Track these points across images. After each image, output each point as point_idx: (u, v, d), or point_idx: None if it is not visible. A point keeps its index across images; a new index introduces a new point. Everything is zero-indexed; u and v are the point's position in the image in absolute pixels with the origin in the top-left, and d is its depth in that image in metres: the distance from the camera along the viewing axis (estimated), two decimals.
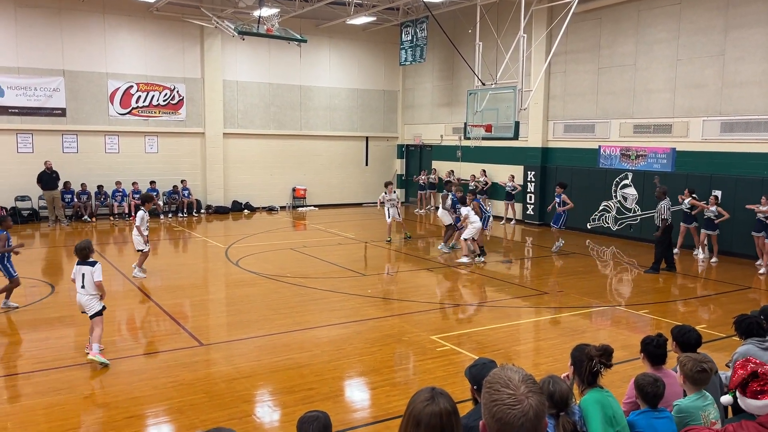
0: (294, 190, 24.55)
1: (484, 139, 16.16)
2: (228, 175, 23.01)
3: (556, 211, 15.65)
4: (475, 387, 3.58)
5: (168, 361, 7.52)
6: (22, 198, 19.61)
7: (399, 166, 27.04)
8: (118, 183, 20.72)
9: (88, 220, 20.01)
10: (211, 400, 6.32)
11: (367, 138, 26.12)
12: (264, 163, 23.85)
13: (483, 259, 14.21)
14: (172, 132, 21.96)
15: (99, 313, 7.51)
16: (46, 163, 19.14)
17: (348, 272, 12.80)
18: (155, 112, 21.55)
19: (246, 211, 23.24)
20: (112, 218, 20.56)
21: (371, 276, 12.60)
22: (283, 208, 24.19)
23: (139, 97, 21.19)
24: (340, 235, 17.76)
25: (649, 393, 3.83)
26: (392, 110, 26.62)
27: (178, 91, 21.88)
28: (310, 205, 24.64)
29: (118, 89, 20.81)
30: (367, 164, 26.29)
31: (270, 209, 23.73)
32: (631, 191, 17.44)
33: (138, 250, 12.21)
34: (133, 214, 20.58)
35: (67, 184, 19.86)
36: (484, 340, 8.55)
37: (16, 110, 19.34)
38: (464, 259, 13.88)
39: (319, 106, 24.82)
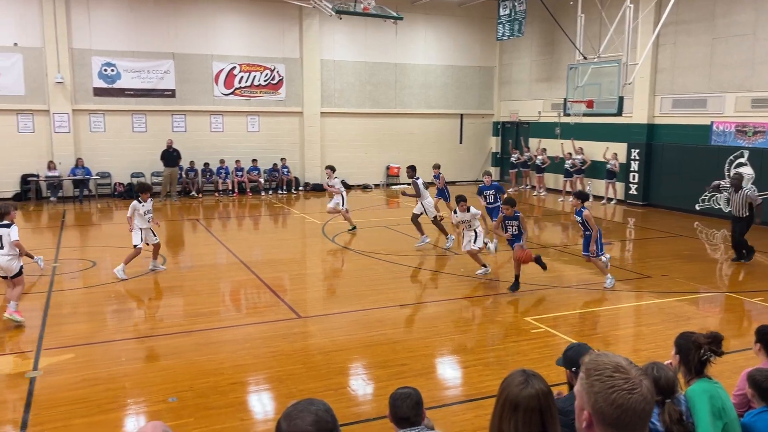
0: (388, 168, 24.73)
1: (585, 115, 15.56)
2: (325, 154, 23.49)
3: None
4: (573, 369, 3.49)
5: (268, 332, 7.86)
6: (137, 174, 20.97)
7: (494, 143, 26.57)
8: (222, 161, 21.68)
9: (195, 195, 21.14)
10: (308, 371, 6.56)
11: (461, 115, 25.82)
12: (359, 141, 24.16)
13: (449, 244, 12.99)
14: (272, 111, 22.67)
15: (19, 273, 7.93)
16: (168, 141, 20.34)
17: (441, 251, 12.80)
18: (256, 92, 22.30)
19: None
20: (216, 194, 21.59)
21: (463, 255, 12.53)
22: (377, 185, 24.46)
23: (242, 77, 21.99)
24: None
25: (767, 390, 3.58)
26: (488, 87, 26.12)
27: (278, 72, 22.50)
28: (403, 183, 24.75)
29: (222, 70, 21.69)
30: (461, 142, 26.02)
31: (364, 187, 24.07)
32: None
33: (135, 246, 10.40)
34: (236, 191, 21.57)
35: (192, 162, 21.05)
36: (581, 324, 8.32)
37: (131, 92, 20.62)
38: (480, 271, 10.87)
39: (414, 84, 24.75)
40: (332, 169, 14.90)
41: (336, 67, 23.39)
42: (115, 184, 20.68)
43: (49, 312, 8.52)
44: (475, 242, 10.55)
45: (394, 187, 12.91)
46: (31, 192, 19.46)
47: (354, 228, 14.84)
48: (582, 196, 10.15)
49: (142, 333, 7.92)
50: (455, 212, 10.88)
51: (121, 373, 6.51)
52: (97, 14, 19.91)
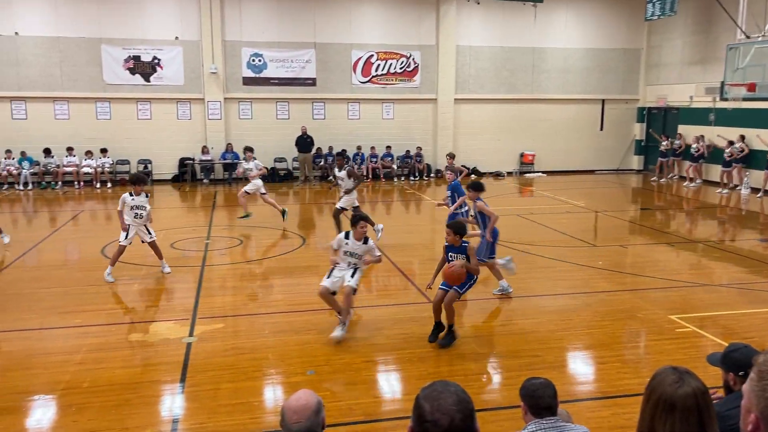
0: (522, 155, 24.17)
1: (744, 99, 14.24)
2: (457, 140, 23.42)
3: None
4: (741, 373, 3.23)
5: (399, 314, 8.03)
6: (279, 159, 22.16)
7: (638, 130, 25.04)
8: (358, 147, 22.32)
9: (332, 180, 21.95)
10: (439, 356, 6.64)
11: (603, 101, 24.58)
12: (492, 128, 23.80)
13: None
14: (407, 99, 22.93)
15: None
16: (302, 128, 21.33)
17: (576, 242, 12.34)
18: (392, 80, 22.66)
19: (473, 176, 23.50)
20: None
21: (602, 247, 12.00)
22: (510, 173, 24.00)
23: (378, 65, 22.43)
24: (569, 203, 17.13)
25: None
26: (633, 70, 24.61)
27: (413, 59, 22.70)
28: (537, 171, 24.09)
29: (360, 59, 22.25)
30: (602, 128, 24.79)
31: (497, 174, 23.71)
32: None
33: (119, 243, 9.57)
34: (370, 177, 22.12)
35: (318, 149, 21.94)
36: (732, 325, 7.69)
37: (276, 81, 21.76)
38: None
39: (552, 68, 23.90)
40: (251, 150, 14.43)
41: (471, 52, 23.15)
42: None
43: (202, 285, 9.29)
44: (352, 277, 7.17)
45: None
46: (187, 174, 21.22)
47: (247, 216, 13.82)
48: (475, 187, 9.04)
49: (283, 308, 8.41)
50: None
51: (265, 344, 6.97)
52: (247, 8, 21.18)
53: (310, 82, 22.03)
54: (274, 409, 5.54)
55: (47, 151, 19.91)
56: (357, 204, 12.26)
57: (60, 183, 20.00)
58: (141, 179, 9.78)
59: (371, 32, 22.25)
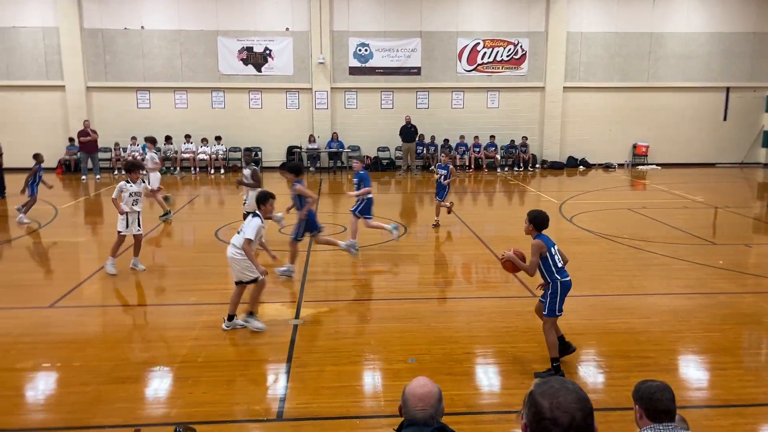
0: (634, 146, 23.00)
1: None
2: (565, 130, 22.64)
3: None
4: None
5: (502, 307, 7.90)
6: (383, 149, 22.38)
7: (767, 120, 23.11)
8: (461, 137, 22.11)
9: (435, 170, 21.89)
10: (542, 351, 6.45)
11: (727, 89, 22.86)
12: (603, 117, 22.80)
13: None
14: (513, 87, 22.41)
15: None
16: (406, 117, 21.41)
17: (694, 239, 11.59)
18: (498, 68, 22.22)
19: (581, 167, 22.67)
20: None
21: (723, 245, 11.20)
22: (621, 165, 22.92)
23: (485, 53, 22.06)
24: (687, 198, 16.12)
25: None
26: (763, 55, 22.69)
27: (521, 46, 22.13)
28: (651, 164, 22.84)
29: (466, 47, 21.98)
30: (725, 118, 23.09)
31: (607, 166, 22.71)
32: None
33: (118, 232, 9.25)
34: (472, 167, 21.86)
35: (421, 136, 21.96)
36: None
37: (381, 70, 21.94)
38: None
39: (671, 54, 22.50)
40: (152, 141, 14.24)
41: (583, 39, 22.24)
42: (364, 157, 22.28)
43: (308, 269, 9.57)
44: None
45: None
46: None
47: (167, 214, 13.25)
48: (293, 170, 9.48)
49: (384, 296, 8.49)
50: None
51: (367, 330, 7.08)
52: None
53: (415, 71, 22.03)
54: (374, 394, 5.62)
55: (168, 138, 21.22)
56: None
57: (178, 168, 21.27)
58: (137, 165, 9.66)
59: (478, 20, 21.89)
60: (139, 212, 9.32)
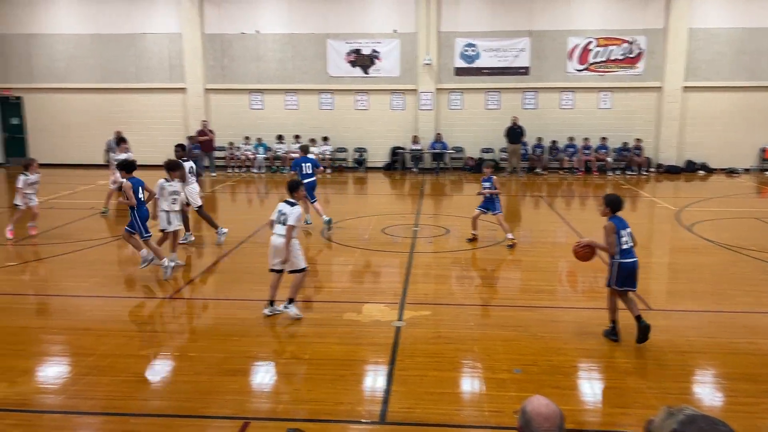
0: (762, 150, 21.26)
1: None
2: (684, 132, 21.32)
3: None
4: None
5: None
6: (487, 150, 22.05)
7: None
8: (570, 139, 21.38)
9: (541, 173, 21.30)
10: (660, 369, 6.07)
11: None
12: (727, 119, 21.25)
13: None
14: (627, 87, 21.38)
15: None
16: (513, 118, 20.97)
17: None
18: (611, 67, 21.27)
19: (701, 172, 21.25)
20: (561, 172, 21.40)
21: None
22: (746, 170, 21.26)
23: (597, 52, 21.19)
24: None
25: None
26: None
27: (637, 44, 21.07)
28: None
29: (577, 46, 21.22)
30: None
31: (730, 171, 21.15)
32: None
33: (162, 230, 9.56)
34: (581, 170, 21.06)
35: (539, 139, 21.43)
36: None
37: (487, 71, 21.63)
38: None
39: None
40: (123, 140, 14.71)
41: (706, 35, 20.83)
42: (467, 158, 22.07)
43: (411, 271, 9.56)
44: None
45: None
46: (398, 163, 22.05)
47: (105, 211, 13.83)
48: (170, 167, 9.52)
49: (487, 301, 8.32)
50: None
51: (470, 336, 6.95)
52: None
53: (523, 71, 21.54)
54: (478, 403, 5.49)
55: (279, 138, 22.01)
56: (199, 204, 11.29)
57: (287, 168, 21.99)
58: (176, 165, 9.74)
59: (591, 18, 21.06)
60: (178, 210, 9.58)
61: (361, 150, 22.44)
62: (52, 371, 6.19)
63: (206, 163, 20.91)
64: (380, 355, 6.42)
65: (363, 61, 21.92)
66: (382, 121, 22.24)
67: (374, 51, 21.81)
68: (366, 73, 21.99)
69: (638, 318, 6.55)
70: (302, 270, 7.34)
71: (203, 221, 11.83)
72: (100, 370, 6.10)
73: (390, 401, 5.46)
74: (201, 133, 20.74)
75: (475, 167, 21.57)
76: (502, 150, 21.74)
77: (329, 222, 12.12)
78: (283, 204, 7.30)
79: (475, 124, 21.97)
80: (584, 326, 7.28)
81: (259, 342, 6.84)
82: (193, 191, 11.00)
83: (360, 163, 22.36)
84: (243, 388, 5.80)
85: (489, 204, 11.11)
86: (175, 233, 9.66)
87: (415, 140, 21.77)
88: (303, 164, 12.57)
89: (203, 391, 5.66)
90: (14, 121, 23.36)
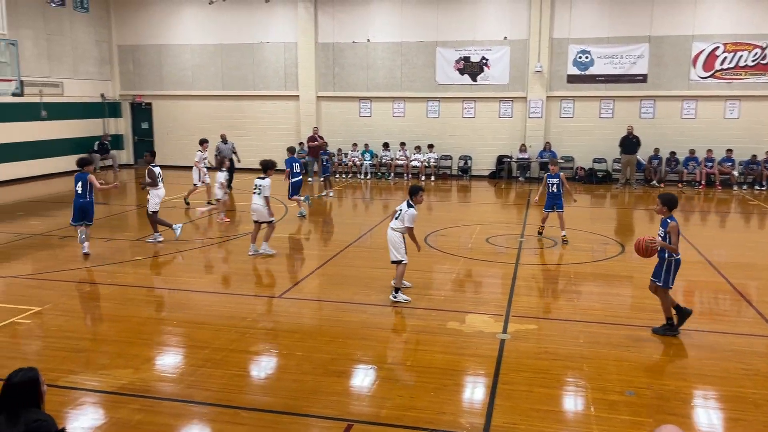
0: None
1: None
2: None
3: None
4: None
5: (740, 345, 6.95)
6: (599, 160, 21.21)
7: None
8: (691, 151, 20.14)
9: (656, 185, 20.19)
10: None
11: None
12: None
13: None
14: (758, 96, 19.83)
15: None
16: (628, 127, 20.04)
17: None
18: (740, 74, 19.82)
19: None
20: (679, 185, 20.17)
21: None
22: None
23: (725, 58, 19.83)
24: None
25: None
26: None
27: None
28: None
29: (702, 51, 19.96)
30: None
31: None
32: None
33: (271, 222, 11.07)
34: (703, 183, 19.76)
35: (656, 149, 20.42)
36: None
37: (602, 78, 20.82)
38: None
39: None
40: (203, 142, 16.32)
41: None
42: (577, 168, 21.33)
43: (516, 283, 9.35)
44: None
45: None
46: (503, 171, 21.68)
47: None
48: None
49: (599, 318, 7.95)
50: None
51: (579, 354, 6.68)
52: (578, 3, 20.64)
53: (640, 79, 20.54)
54: (586, 423, 5.25)
55: (386, 146, 22.30)
56: (155, 210, 11.89)
57: (392, 174, 22.23)
58: (271, 165, 11.00)
59: (718, 22, 19.74)
60: (261, 204, 10.78)
61: (466, 158, 22.28)
62: (171, 361, 6.59)
63: (315, 168, 21.53)
64: (484, 367, 6.31)
65: (472, 68, 21.78)
66: (489, 129, 21.97)
67: (483, 58, 21.60)
68: (474, 80, 21.83)
69: (677, 307, 7.16)
70: (399, 262, 8.34)
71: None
72: (214, 363, 6.42)
73: (493, 415, 5.35)
74: (311, 138, 21.40)
75: (585, 177, 20.82)
76: (616, 160, 20.82)
77: (302, 215, 14.36)
78: (404, 204, 8.34)
79: (586, 133, 21.20)
80: (706, 351, 6.79)
81: (364, 345, 6.93)
82: (157, 195, 11.87)
83: (465, 171, 22.20)
84: (347, 390, 5.89)
85: (555, 201, 11.99)
86: (265, 224, 10.99)
87: (523, 149, 21.32)
88: (294, 164, 14.51)
89: (309, 390, 5.80)
90: (144, 125, 25.21)
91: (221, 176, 14.36)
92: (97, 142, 23.47)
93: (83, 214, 10.62)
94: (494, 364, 6.34)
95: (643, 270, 10.22)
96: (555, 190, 12.04)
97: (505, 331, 7.30)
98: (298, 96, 23.11)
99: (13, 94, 14.47)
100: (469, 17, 21.51)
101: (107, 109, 24.47)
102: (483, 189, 20.27)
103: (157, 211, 11.88)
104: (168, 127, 24.64)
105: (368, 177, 22.13)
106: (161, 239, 11.88)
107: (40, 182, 20.48)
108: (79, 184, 10.56)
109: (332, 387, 5.87)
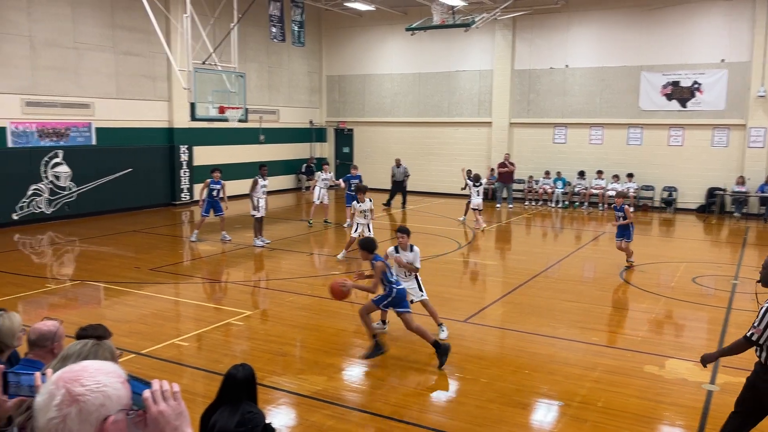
0: None
1: None
2: None
3: None
4: None
5: None
6: None
7: None
8: None
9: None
10: None
11: None
12: None
13: None
14: None
15: None
16: None
17: None
18: None
19: None
20: None
21: None
22: None
23: None
24: None
25: None
26: None
27: None
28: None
29: None
30: None
31: None
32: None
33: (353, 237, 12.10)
34: None
35: None
36: None
37: None
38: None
39: None
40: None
41: None
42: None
43: (727, 329, 8.39)
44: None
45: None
46: (715, 205, 19.67)
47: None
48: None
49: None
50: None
51: None
52: None
53: None
54: None
55: (581, 174, 21.45)
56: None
57: (586, 204, 21.27)
58: (363, 188, 12.38)
59: None
60: (367, 223, 12.06)
61: (670, 189, 20.60)
62: (358, 372, 6.91)
63: (504, 194, 21.35)
64: (685, 419, 5.75)
65: (681, 93, 20.17)
66: (699, 158, 20.11)
67: (695, 83, 19.91)
68: (683, 106, 20.18)
69: None
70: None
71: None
72: (399, 378, 6.61)
73: None
74: (501, 164, 21.29)
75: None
76: None
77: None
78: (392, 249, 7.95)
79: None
80: None
81: (551, 380, 6.67)
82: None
83: (669, 203, 20.53)
84: (530, 423, 5.71)
85: (624, 232, 11.78)
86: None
87: (740, 181, 19.18)
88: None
89: (492, 418, 5.73)
90: (345, 149, 26.99)
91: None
92: (305, 165, 25.61)
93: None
94: (699, 417, 5.75)
95: None
96: (620, 224, 11.96)
97: (713, 381, 6.58)
98: (490, 122, 23.17)
99: (240, 120, 16.30)
100: (678, 39, 20.01)
101: (314, 134, 26.61)
102: (690, 223, 18.57)
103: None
104: (366, 151, 26.08)
105: (559, 205, 21.41)
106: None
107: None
108: None
109: (515, 418, 5.73)
